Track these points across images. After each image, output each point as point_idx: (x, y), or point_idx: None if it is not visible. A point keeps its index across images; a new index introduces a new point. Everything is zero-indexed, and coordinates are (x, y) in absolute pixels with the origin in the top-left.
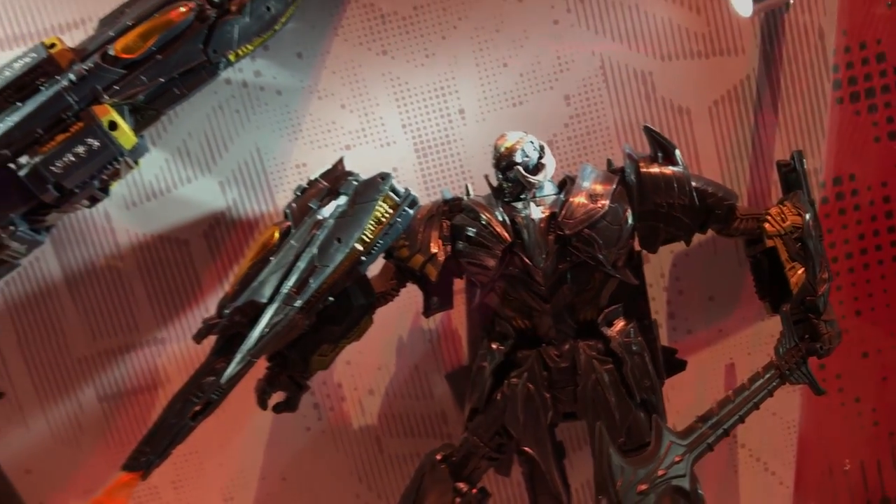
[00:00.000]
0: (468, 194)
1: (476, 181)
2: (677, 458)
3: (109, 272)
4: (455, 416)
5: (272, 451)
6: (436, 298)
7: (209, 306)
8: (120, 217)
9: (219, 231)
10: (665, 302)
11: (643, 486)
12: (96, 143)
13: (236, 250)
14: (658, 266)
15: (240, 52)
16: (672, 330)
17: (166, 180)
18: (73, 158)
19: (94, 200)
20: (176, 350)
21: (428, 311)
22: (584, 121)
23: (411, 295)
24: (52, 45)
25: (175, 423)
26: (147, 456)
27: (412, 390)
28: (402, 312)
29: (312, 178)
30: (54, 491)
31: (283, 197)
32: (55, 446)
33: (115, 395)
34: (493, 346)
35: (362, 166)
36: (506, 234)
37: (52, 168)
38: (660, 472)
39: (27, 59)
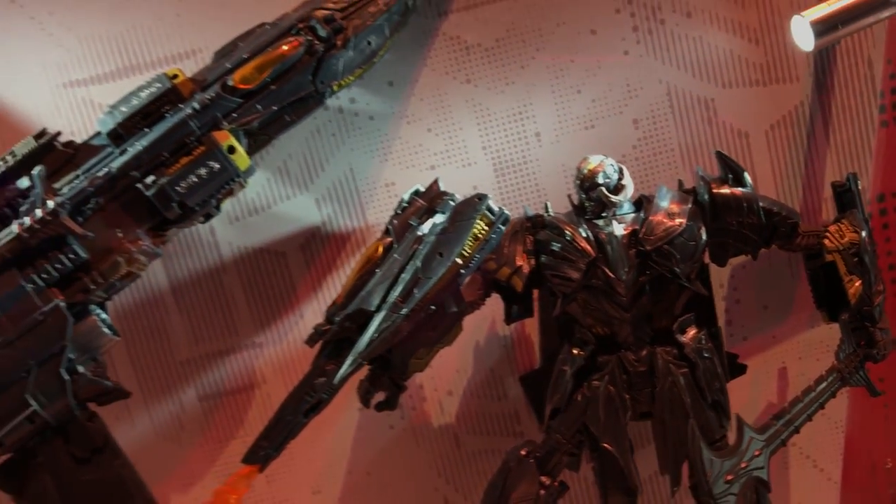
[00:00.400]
0: (547, 211)
1: (551, 199)
2: (757, 452)
3: (212, 281)
4: (527, 416)
5: (358, 447)
6: (516, 307)
7: (304, 313)
8: (224, 231)
9: (314, 244)
10: (723, 310)
11: (729, 477)
12: (216, 166)
13: (329, 262)
14: (717, 277)
15: (342, 83)
16: (729, 336)
17: (267, 197)
18: (195, 179)
19: (208, 217)
20: (272, 353)
21: (509, 319)
22: (650, 143)
23: (488, 303)
24: (175, 76)
25: (290, 420)
26: (265, 450)
27: (488, 391)
28: (479, 319)
29: (406, 196)
30: (155, 484)
31: (373, 213)
32: (157, 442)
33: (214, 395)
34: (574, 351)
35: (446, 185)
36: (590, 249)
37: (177, 188)
38: (742, 465)
39: (152, 89)
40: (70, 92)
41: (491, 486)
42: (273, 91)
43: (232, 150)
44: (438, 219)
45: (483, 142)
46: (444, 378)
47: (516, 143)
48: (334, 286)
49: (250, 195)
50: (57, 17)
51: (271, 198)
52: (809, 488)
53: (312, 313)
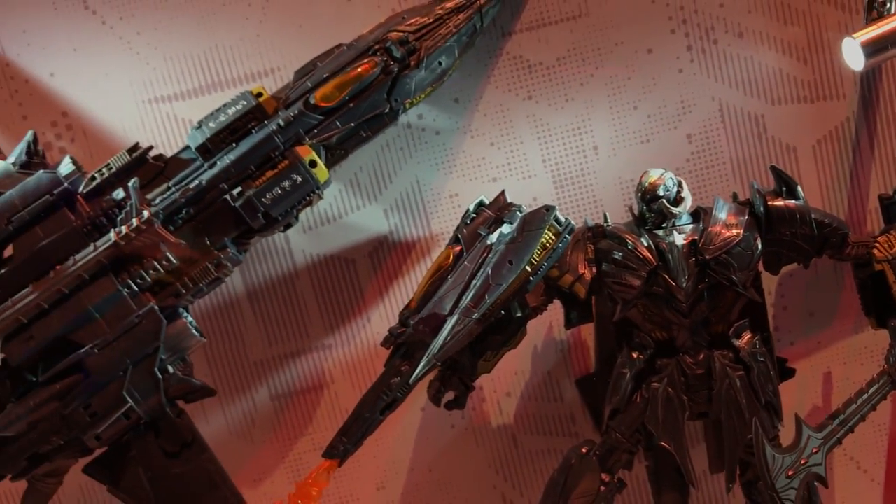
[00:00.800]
0: (606, 222)
1: (608, 210)
2: (815, 450)
3: (286, 287)
4: (582, 417)
5: (421, 445)
6: (575, 313)
7: (371, 317)
8: (297, 239)
9: (381, 252)
10: (771, 317)
11: (790, 472)
12: (299, 178)
13: (396, 269)
14: (766, 285)
15: (414, 100)
16: (777, 341)
17: (339, 208)
18: (279, 191)
19: (287, 226)
20: (340, 355)
21: (569, 324)
22: (703, 157)
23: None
24: (259, 94)
25: (367, 417)
26: (344, 445)
27: (545, 394)
28: (538, 325)
29: (472, 207)
30: None
31: (438, 222)
32: (230, 439)
33: (285, 395)
34: (634, 355)
35: (507, 196)
36: (651, 258)
37: (263, 199)
38: (802, 461)
39: (239, 106)
40: (155, 107)
41: (552, 482)
42: (351, 108)
43: (313, 163)
44: (506, 229)
45: (543, 155)
46: (504, 380)
47: (575, 156)
48: (400, 292)
49: (323, 206)
50: (144, 38)
51: (343, 208)
52: (853, 489)
53: (379, 317)
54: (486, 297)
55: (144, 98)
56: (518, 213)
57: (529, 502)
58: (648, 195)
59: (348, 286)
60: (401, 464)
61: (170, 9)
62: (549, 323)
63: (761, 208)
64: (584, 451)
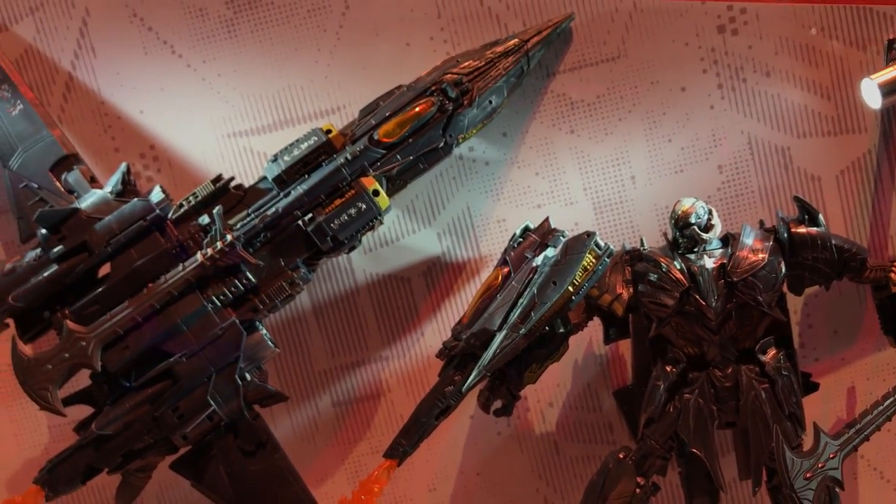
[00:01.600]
0: (643, 246)
1: (645, 235)
2: (832, 455)
3: (347, 303)
4: (619, 426)
5: (469, 450)
6: (614, 330)
7: (424, 332)
8: (359, 260)
9: (435, 272)
10: (797, 334)
11: (808, 475)
12: (363, 206)
13: (448, 288)
14: (792, 305)
15: (467, 135)
16: (802, 357)
17: (396, 231)
18: (346, 217)
19: (352, 248)
20: (396, 366)
21: (607, 340)
22: (733, 186)
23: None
24: (329, 131)
25: (424, 422)
26: (403, 447)
27: (585, 404)
28: (579, 341)
29: (518, 231)
30: None
31: (486, 245)
32: (295, 442)
33: (346, 402)
34: (668, 368)
35: (551, 222)
36: (683, 279)
37: (332, 225)
38: (820, 465)
39: (311, 141)
40: (233, 141)
41: (591, 485)
42: (410, 143)
43: (376, 193)
44: (550, 252)
45: (584, 184)
46: (546, 391)
47: (614, 185)
48: (452, 309)
49: (382, 230)
50: (224, 79)
51: (400, 232)
52: (876, 498)
53: (432, 332)
54: (532, 314)
55: (223, 133)
56: (561, 238)
57: None
58: (681, 222)
59: (404, 303)
60: (451, 467)
61: (247, 53)
62: (589, 339)
63: (785, 234)
64: (621, 456)
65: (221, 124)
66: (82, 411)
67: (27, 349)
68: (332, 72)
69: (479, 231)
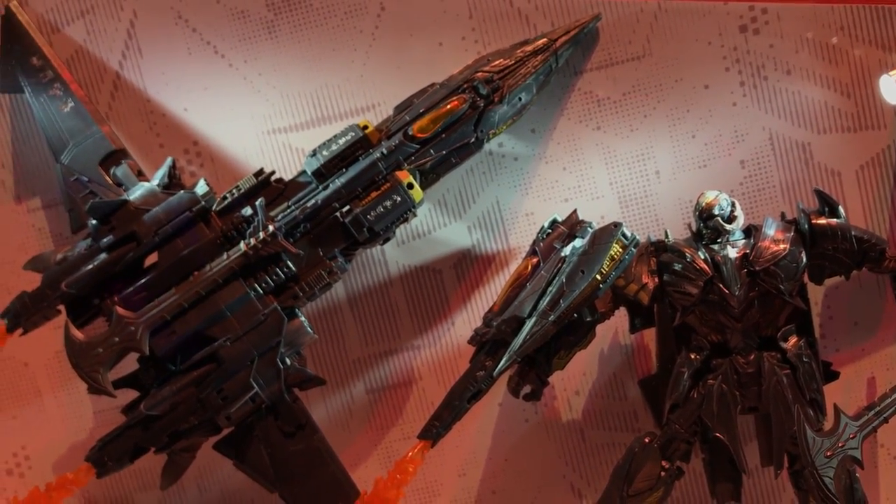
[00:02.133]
0: (667, 238)
1: (669, 228)
2: (852, 435)
3: (381, 293)
4: (644, 414)
5: (498, 437)
6: (639, 319)
7: (455, 321)
8: (392, 252)
9: (465, 264)
10: (818, 325)
11: (829, 453)
12: (398, 199)
13: (477, 279)
14: (812, 296)
15: (497, 131)
16: (823, 348)
17: (428, 224)
18: (381, 209)
19: (386, 240)
20: (427, 355)
21: (633, 329)
22: (755, 181)
23: (612, 317)
24: (365, 127)
25: (457, 405)
26: (437, 428)
27: (610, 392)
28: (605, 330)
29: (546, 224)
30: None
31: (515, 238)
32: (330, 428)
33: (379, 389)
34: (692, 356)
35: (579, 214)
36: (707, 269)
37: (368, 217)
38: (840, 444)
39: (348, 137)
40: (272, 138)
41: (618, 468)
42: (443, 139)
43: (410, 186)
44: (578, 243)
45: (610, 178)
46: (573, 380)
47: (638, 179)
48: (481, 299)
49: (415, 223)
50: (264, 78)
51: (431, 225)
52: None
53: (462, 322)
54: (561, 301)
55: (263, 130)
56: (589, 228)
57: (595, 491)
58: (705, 213)
59: (435, 294)
60: (480, 453)
61: (287, 53)
62: (615, 329)
63: (806, 226)
64: (646, 440)
65: (261, 121)
66: (127, 395)
67: (79, 334)
68: (367, 71)
69: (507, 224)
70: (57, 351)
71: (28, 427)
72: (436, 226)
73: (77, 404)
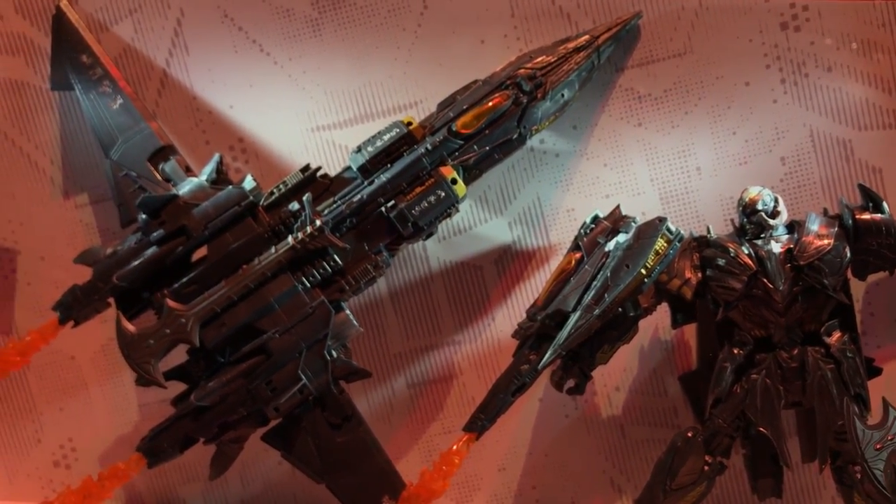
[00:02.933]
0: (709, 233)
1: (710, 224)
2: None
3: (422, 289)
4: (684, 410)
5: (538, 433)
6: (680, 315)
7: (495, 317)
8: (433, 248)
9: (505, 260)
10: (859, 322)
11: (878, 446)
12: (443, 194)
13: (518, 275)
14: (854, 293)
15: (540, 127)
16: (865, 345)
17: (469, 220)
18: (426, 204)
19: (429, 235)
20: (468, 350)
21: (675, 325)
22: (795, 178)
23: (652, 314)
24: (409, 124)
25: (501, 398)
26: (482, 421)
27: (650, 388)
28: (645, 326)
29: (588, 220)
30: None
31: (556, 234)
32: (372, 422)
33: (420, 383)
34: (735, 351)
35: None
36: (751, 264)
37: (413, 211)
38: (889, 437)
39: (392, 133)
40: (316, 135)
41: (660, 463)
42: (487, 135)
43: (454, 181)
44: (621, 238)
45: (651, 175)
46: (613, 376)
47: (679, 176)
48: (522, 295)
49: (456, 219)
50: (309, 76)
51: (472, 221)
52: None
53: (503, 317)
54: (606, 295)
55: (308, 127)
56: (633, 224)
57: (635, 486)
58: (749, 209)
59: (476, 289)
60: (520, 448)
61: (331, 51)
62: (655, 325)
63: (850, 221)
64: (689, 434)
65: (306, 118)
66: (173, 388)
67: (130, 326)
68: (410, 68)
69: (548, 220)
70: (103, 345)
71: (75, 419)
72: (477, 222)
73: (122, 397)
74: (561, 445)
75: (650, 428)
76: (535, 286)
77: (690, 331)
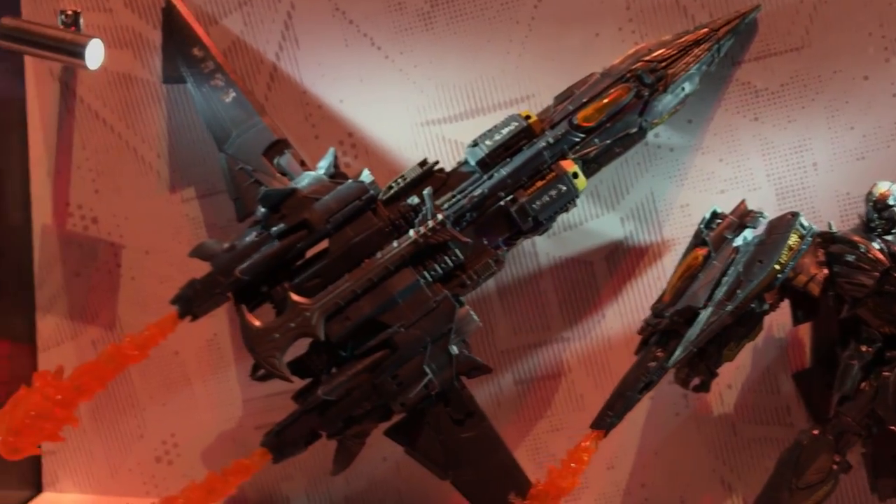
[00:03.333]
0: (831, 229)
1: (827, 220)
2: None
3: (531, 285)
4: (797, 409)
5: (647, 430)
6: (801, 312)
7: (605, 314)
8: (543, 243)
9: (617, 256)
10: None
11: None
12: (563, 188)
13: (629, 272)
14: None
15: (660, 121)
16: None
17: (580, 216)
18: (546, 199)
19: (545, 231)
20: (577, 347)
21: (796, 322)
22: None
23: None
24: (528, 117)
25: (630, 396)
26: (610, 418)
27: (763, 386)
28: None
29: (707, 215)
30: None
31: (669, 230)
32: None
33: (528, 380)
34: (863, 348)
35: (733, 207)
36: (884, 259)
37: (533, 206)
38: None
39: (511, 127)
40: (426, 129)
41: (783, 461)
42: (608, 128)
43: (575, 175)
44: (749, 233)
45: (767, 170)
46: (726, 373)
47: (796, 171)
48: (634, 292)
49: (566, 214)
50: (420, 69)
51: (583, 216)
52: None
53: (613, 314)
54: (738, 292)
55: (418, 121)
56: (761, 219)
57: (746, 485)
58: (880, 204)
59: (586, 286)
60: (629, 447)
61: (443, 44)
62: (769, 322)
63: None
64: (815, 432)
65: (416, 113)
66: (272, 386)
67: (255, 320)
68: (522, 62)
69: (661, 216)
70: (208, 339)
71: (177, 415)
72: (588, 217)
73: (226, 392)
74: (671, 444)
75: (762, 426)
76: (647, 283)
77: (804, 328)
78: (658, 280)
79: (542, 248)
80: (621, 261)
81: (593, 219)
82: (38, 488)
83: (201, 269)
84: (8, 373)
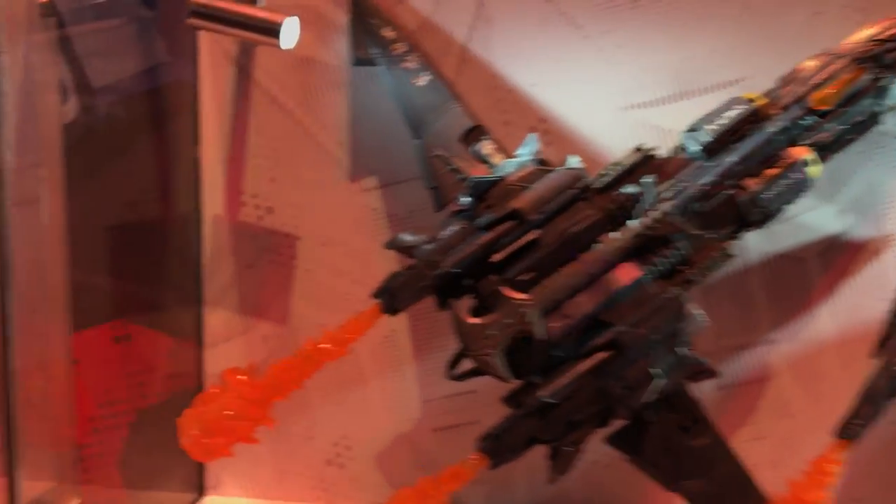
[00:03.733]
0: None
1: None
2: None
3: (737, 282)
4: None
5: (862, 441)
6: None
7: (817, 314)
8: (751, 237)
9: (832, 252)
10: None
11: None
12: (797, 177)
13: (846, 268)
14: None
15: (894, 106)
16: None
17: (793, 208)
18: (779, 188)
19: (770, 223)
20: (785, 350)
21: None
22: None
23: None
24: (751, 100)
25: (879, 401)
26: (859, 426)
27: None
28: None
29: None
30: None
31: (892, 224)
32: None
33: (730, 385)
34: None
35: None
36: None
37: (764, 196)
38: None
39: (738, 110)
40: (628, 114)
41: None
42: (844, 112)
43: (807, 163)
44: None
45: None
46: None
47: None
48: (849, 290)
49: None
50: (623, 50)
51: (796, 208)
52: None
53: (827, 315)
54: None
55: (618, 105)
56: None
57: None
58: None
59: (797, 283)
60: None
61: (650, 24)
62: None
63: None
64: None
65: (617, 96)
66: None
67: (469, 316)
68: (737, 42)
69: (884, 209)
70: (385, 336)
71: (350, 416)
72: (801, 209)
73: (402, 392)
74: (888, 456)
75: None
76: (865, 281)
77: None
78: (877, 279)
79: (751, 243)
80: (837, 257)
81: (807, 211)
82: (200, 492)
83: (381, 262)
84: (170, 371)
